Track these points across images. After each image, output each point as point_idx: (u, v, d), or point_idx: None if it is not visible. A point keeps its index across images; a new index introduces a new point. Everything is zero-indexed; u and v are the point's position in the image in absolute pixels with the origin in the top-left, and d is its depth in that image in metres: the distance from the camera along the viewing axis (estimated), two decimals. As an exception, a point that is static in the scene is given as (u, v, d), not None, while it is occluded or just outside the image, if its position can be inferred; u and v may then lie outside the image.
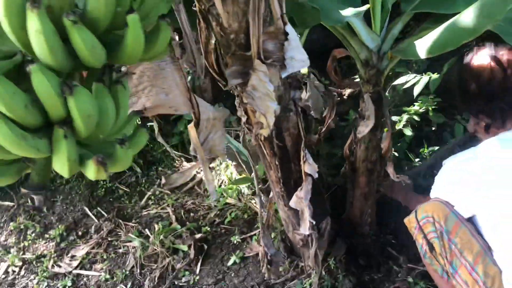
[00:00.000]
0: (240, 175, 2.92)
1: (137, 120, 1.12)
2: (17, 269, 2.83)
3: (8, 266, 2.85)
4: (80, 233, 3.03)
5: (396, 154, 2.68)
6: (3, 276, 2.81)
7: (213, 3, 1.36)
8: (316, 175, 1.95)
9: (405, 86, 2.64)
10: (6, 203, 3.36)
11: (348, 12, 1.70)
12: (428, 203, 1.63)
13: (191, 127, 1.53)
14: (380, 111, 2.08)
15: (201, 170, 3.12)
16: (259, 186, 2.23)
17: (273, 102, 1.43)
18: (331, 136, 2.80)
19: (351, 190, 2.44)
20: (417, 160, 2.67)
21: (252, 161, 2.01)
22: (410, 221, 1.69)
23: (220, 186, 2.99)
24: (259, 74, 1.40)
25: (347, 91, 2.81)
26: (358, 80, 2.18)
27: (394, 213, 2.42)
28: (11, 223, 3.18)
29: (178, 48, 1.37)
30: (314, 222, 2.04)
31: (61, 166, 0.95)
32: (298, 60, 1.43)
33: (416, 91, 2.58)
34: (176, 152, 3.29)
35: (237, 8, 1.37)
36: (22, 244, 2.99)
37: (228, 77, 1.45)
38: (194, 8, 1.52)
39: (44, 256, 2.88)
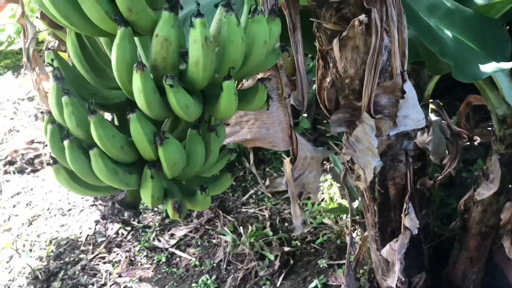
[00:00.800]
0: (342, 198, 2.83)
1: (228, 160, 1.14)
2: (125, 233, 3.17)
3: (119, 228, 3.20)
4: (183, 214, 3.27)
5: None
6: (114, 235, 3.17)
7: (332, 47, 1.30)
8: (415, 231, 1.80)
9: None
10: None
11: (490, 67, 1.48)
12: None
13: (286, 162, 1.51)
14: (508, 176, 1.81)
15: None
16: (353, 218, 2.13)
17: (375, 159, 1.33)
18: (449, 182, 2.54)
19: (456, 249, 2.21)
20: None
21: (349, 198, 1.93)
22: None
23: (319, 204, 2.94)
24: (366, 127, 1.31)
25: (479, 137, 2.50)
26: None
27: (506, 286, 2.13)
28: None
29: (287, 88, 1.35)
30: (403, 279, 1.90)
31: (145, 198, 1.03)
32: (413, 119, 1.30)
33: None
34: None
35: (356, 56, 1.30)
36: (134, 211, 3.32)
37: (332, 123, 1.39)
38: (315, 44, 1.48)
39: (149, 227, 3.16)
